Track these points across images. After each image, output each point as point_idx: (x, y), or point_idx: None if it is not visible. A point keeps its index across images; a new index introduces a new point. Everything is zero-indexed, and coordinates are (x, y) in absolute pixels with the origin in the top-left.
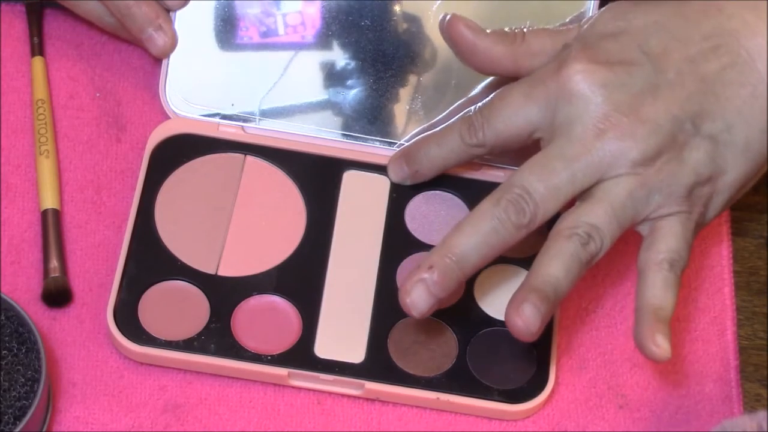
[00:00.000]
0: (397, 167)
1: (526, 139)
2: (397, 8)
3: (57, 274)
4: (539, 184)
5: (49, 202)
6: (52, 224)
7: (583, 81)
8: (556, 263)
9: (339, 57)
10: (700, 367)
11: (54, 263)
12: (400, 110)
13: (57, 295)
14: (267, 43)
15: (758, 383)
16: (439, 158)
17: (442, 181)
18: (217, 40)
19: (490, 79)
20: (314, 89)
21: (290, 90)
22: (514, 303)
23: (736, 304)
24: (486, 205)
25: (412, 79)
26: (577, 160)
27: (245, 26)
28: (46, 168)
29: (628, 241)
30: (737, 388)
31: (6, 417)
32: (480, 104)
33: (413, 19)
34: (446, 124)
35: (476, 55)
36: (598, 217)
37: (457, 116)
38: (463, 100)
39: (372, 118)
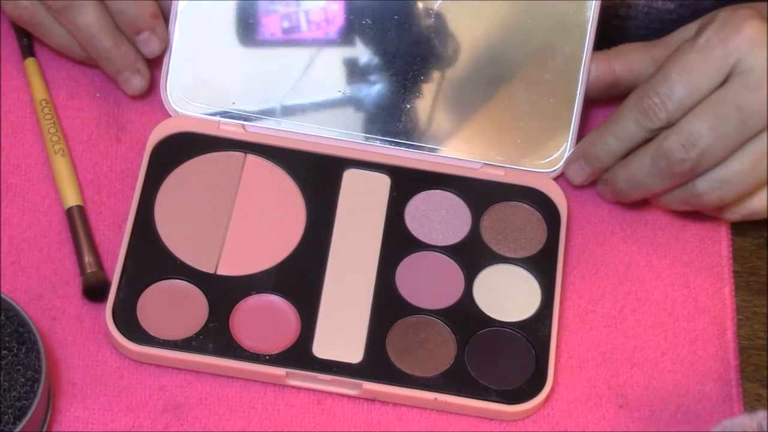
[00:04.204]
0: (577, 169)
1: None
2: (398, 7)
3: (94, 269)
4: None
5: (72, 199)
6: (79, 220)
7: (759, 31)
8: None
9: (339, 57)
10: (700, 367)
11: (88, 258)
12: (400, 108)
13: (98, 289)
14: (268, 42)
15: (758, 383)
16: (620, 149)
17: (442, 180)
18: (219, 38)
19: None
20: (315, 89)
21: (292, 90)
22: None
23: (736, 304)
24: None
25: (413, 77)
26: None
27: (254, 23)
28: (63, 166)
29: (628, 241)
30: (737, 388)
31: (6, 417)
32: (648, 87)
33: (414, 19)
34: (612, 117)
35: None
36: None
37: (625, 105)
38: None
39: (373, 117)
